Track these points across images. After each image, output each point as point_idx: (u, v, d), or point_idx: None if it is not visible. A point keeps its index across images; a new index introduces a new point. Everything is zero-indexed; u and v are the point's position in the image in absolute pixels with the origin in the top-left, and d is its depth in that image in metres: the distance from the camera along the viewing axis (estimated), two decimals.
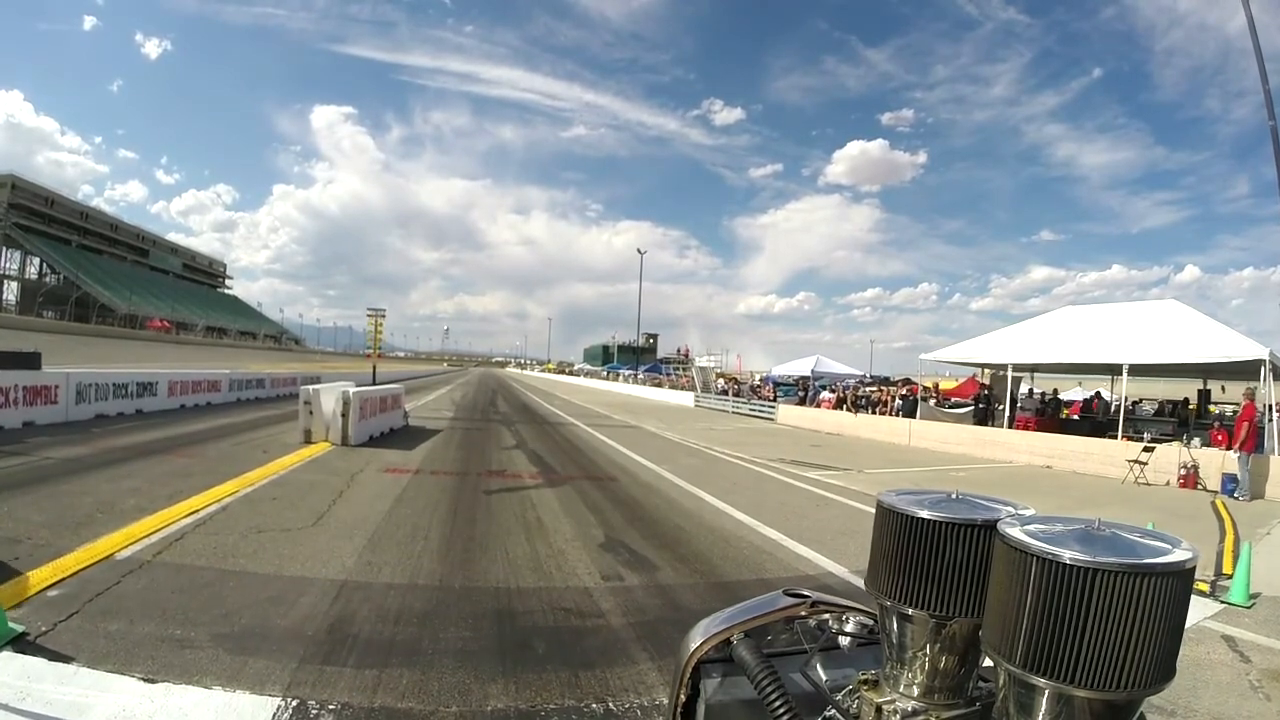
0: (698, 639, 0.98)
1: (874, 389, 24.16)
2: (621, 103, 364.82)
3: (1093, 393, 23.24)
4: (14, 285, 76.36)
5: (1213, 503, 10.62)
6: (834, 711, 0.91)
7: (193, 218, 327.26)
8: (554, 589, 4.48)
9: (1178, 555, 0.67)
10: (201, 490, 6.69)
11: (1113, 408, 20.27)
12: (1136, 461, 12.52)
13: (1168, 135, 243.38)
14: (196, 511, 5.87)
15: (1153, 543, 0.71)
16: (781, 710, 0.83)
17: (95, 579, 4.11)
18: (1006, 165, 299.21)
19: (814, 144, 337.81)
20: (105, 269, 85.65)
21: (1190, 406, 17.94)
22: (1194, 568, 0.67)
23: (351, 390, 10.94)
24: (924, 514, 0.84)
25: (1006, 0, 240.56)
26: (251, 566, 4.50)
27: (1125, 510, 9.45)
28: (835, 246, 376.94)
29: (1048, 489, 11.66)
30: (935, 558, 0.82)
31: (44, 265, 78.62)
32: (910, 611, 0.85)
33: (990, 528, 0.79)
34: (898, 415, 20.44)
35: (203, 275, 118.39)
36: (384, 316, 26.39)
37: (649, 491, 8.56)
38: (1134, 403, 19.31)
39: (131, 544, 4.85)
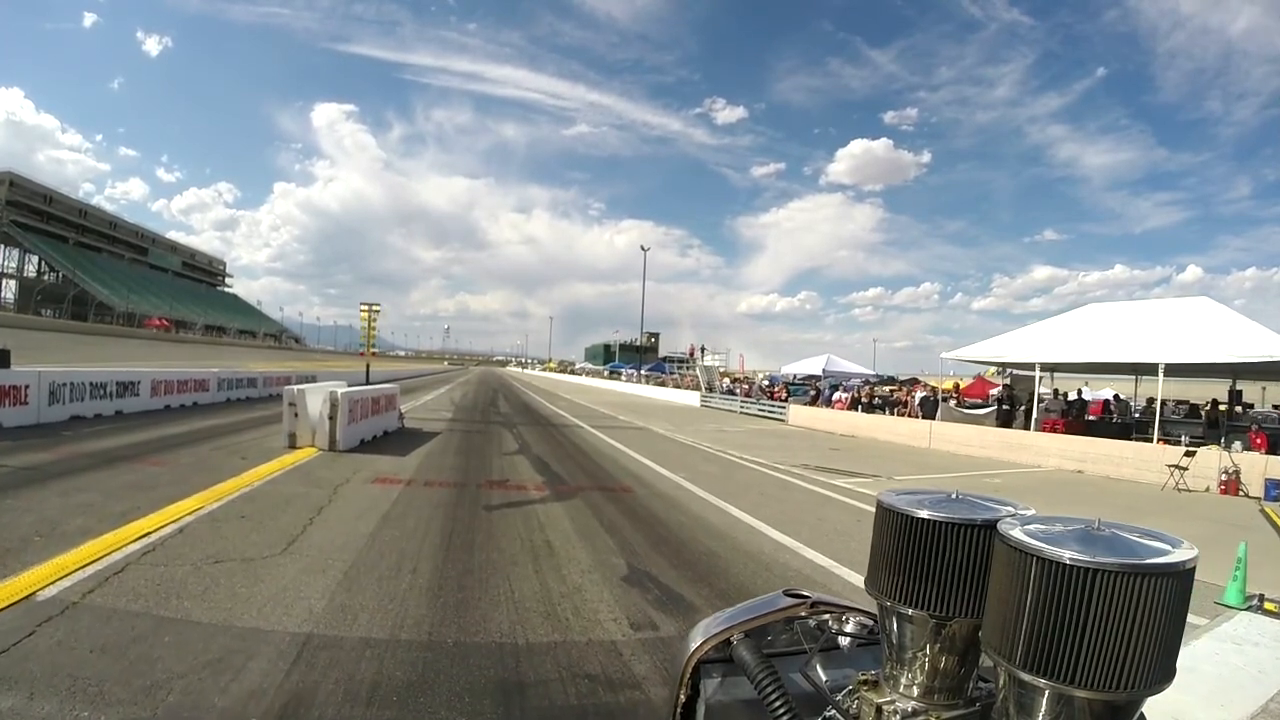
0: (697, 639, 0.94)
1: (896, 388, 23.41)
2: (625, 102, 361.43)
3: (1109, 394, 22.47)
4: (12, 283, 75.81)
5: (1262, 510, 10.05)
6: (834, 712, 0.86)
7: (194, 216, 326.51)
8: (573, 644, 3.59)
9: (1178, 555, 0.64)
10: (162, 506, 5.86)
11: (1133, 409, 19.49)
12: (1177, 466, 11.78)
13: (1169, 136, 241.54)
14: (148, 534, 5.03)
15: (1153, 543, 0.67)
16: (781, 710, 0.80)
17: (3, 629, 3.31)
18: (1009, 166, 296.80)
19: (816, 143, 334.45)
20: (103, 267, 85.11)
21: (1222, 408, 17.11)
22: (1194, 568, 0.64)
23: (340, 391, 10.11)
24: (924, 514, 0.79)
25: (1010, 2, 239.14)
26: (197, 613, 3.65)
27: (1176, 522, 8.66)
28: (837, 246, 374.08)
29: (1089, 496, 10.97)
30: (935, 558, 0.78)
31: (42, 263, 78.11)
32: (910, 612, 0.80)
33: (990, 528, 0.75)
34: (917, 416, 19.63)
35: (202, 273, 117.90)
36: (379, 311, 25.44)
37: (670, 505, 7.69)
38: (1162, 403, 18.52)
39: (60, 578, 4.04)
